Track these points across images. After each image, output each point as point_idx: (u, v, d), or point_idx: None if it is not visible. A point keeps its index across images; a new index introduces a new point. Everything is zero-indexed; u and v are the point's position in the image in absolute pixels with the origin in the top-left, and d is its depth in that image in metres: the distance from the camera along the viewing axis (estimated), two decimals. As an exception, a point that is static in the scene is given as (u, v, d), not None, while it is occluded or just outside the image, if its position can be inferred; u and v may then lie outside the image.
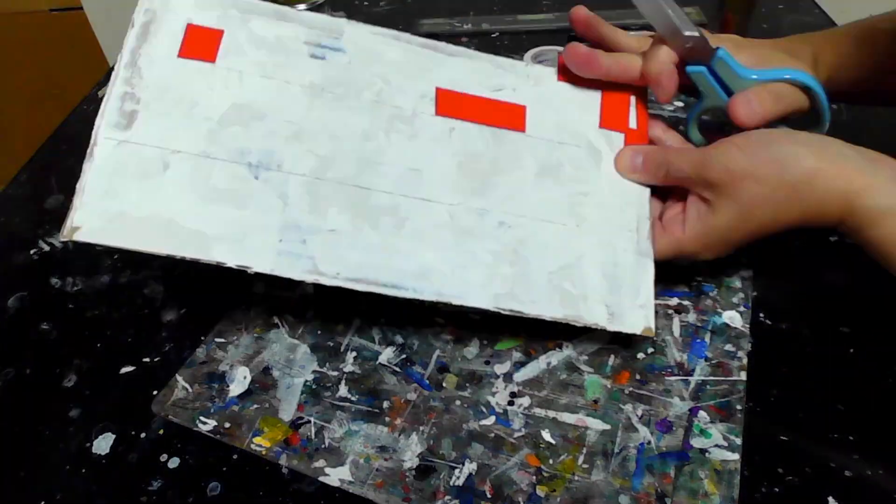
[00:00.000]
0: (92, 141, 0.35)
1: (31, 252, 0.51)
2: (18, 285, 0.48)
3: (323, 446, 0.37)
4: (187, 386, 0.40)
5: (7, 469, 0.37)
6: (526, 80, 0.43)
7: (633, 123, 0.43)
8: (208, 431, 0.38)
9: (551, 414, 0.38)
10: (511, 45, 0.74)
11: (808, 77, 0.43)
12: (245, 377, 0.41)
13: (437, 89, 0.40)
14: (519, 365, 0.41)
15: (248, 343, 0.43)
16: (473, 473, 0.36)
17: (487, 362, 0.41)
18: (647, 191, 0.42)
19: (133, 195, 0.34)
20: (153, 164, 0.35)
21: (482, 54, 0.43)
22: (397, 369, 0.41)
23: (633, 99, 0.43)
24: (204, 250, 0.34)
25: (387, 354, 0.42)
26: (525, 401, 0.39)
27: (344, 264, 0.36)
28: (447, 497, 0.35)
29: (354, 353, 0.42)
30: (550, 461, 0.36)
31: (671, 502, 0.34)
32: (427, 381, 0.40)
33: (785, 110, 0.43)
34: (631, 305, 0.38)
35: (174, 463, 0.37)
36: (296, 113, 0.38)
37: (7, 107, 1.48)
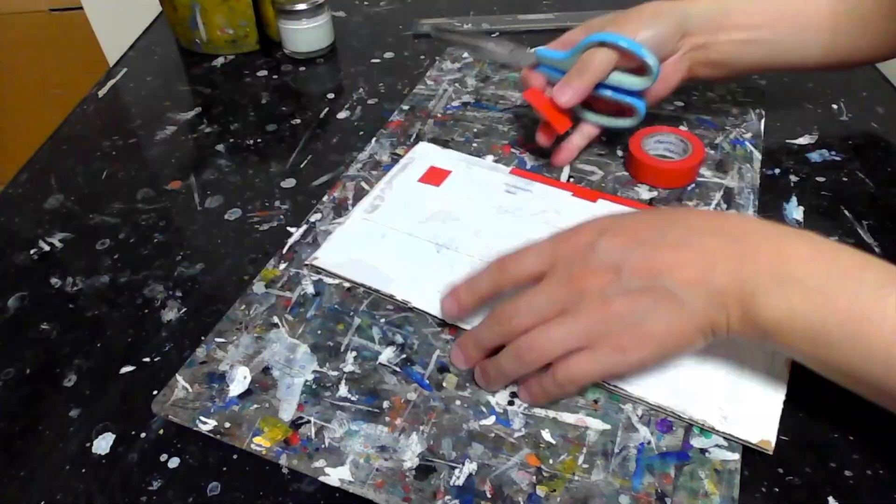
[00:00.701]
0: (349, 214, 0.52)
1: (31, 252, 0.51)
2: (18, 285, 0.48)
3: (323, 446, 0.37)
4: (187, 386, 0.40)
5: (7, 469, 0.37)
6: None
7: None
8: (208, 431, 0.38)
9: (551, 414, 0.38)
10: (511, 45, 0.74)
11: (606, 35, 0.48)
12: (245, 377, 0.41)
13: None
14: (519, 365, 0.41)
15: (248, 343, 0.43)
16: (473, 473, 0.36)
17: (487, 362, 0.41)
18: None
19: (359, 249, 0.49)
20: (377, 233, 0.50)
21: (649, 206, 0.50)
22: (397, 369, 0.41)
23: None
24: (385, 285, 0.45)
25: (387, 354, 0.42)
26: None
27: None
28: (447, 497, 0.35)
29: (354, 353, 0.42)
30: (550, 461, 0.36)
31: (671, 502, 0.34)
32: (427, 381, 0.40)
33: (596, 74, 0.49)
34: (750, 415, 0.37)
35: (174, 463, 0.37)
36: (481, 221, 0.51)
37: (7, 107, 1.48)
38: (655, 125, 0.56)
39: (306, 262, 0.47)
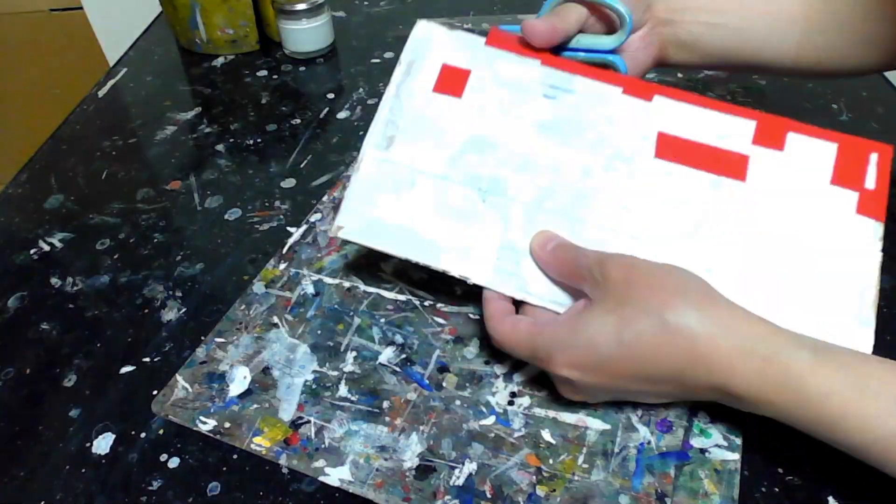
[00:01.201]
0: (359, 157, 0.42)
1: (31, 252, 0.51)
2: (18, 285, 0.48)
3: (323, 446, 0.37)
4: (187, 386, 0.40)
5: (7, 469, 0.37)
6: (751, 129, 0.41)
7: (870, 183, 0.38)
8: (208, 431, 0.38)
9: (551, 414, 0.38)
10: (511, 45, 0.74)
11: None
12: (245, 377, 0.41)
13: (659, 133, 0.41)
14: (519, 365, 0.41)
15: (248, 343, 0.43)
16: (473, 473, 0.36)
17: (487, 362, 0.41)
18: (878, 258, 0.37)
19: (386, 205, 0.40)
20: (404, 181, 0.41)
21: (711, 101, 0.42)
22: (397, 369, 0.41)
23: (874, 156, 0.39)
24: (434, 259, 0.39)
25: (387, 354, 0.42)
26: (525, 400, 0.39)
27: (549, 289, 0.38)
28: (447, 497, 0.35)
29: (354, 353, 0.42)
30: (550, 461, 0.36)
31: (671, 502, 0.34)
32: (427, 381, 0.40)
33: (568, 20, 0.44)
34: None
35: (174, 463, 0.37)
36: (525, 146, 0.41)
37: (7, 107, 1.48)
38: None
39: (330, 235, 0.41)
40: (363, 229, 0.40)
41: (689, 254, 0.38)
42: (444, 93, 0.43)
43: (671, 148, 0.40)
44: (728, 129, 0.41)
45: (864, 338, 0.36)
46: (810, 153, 0.39)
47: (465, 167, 0.41)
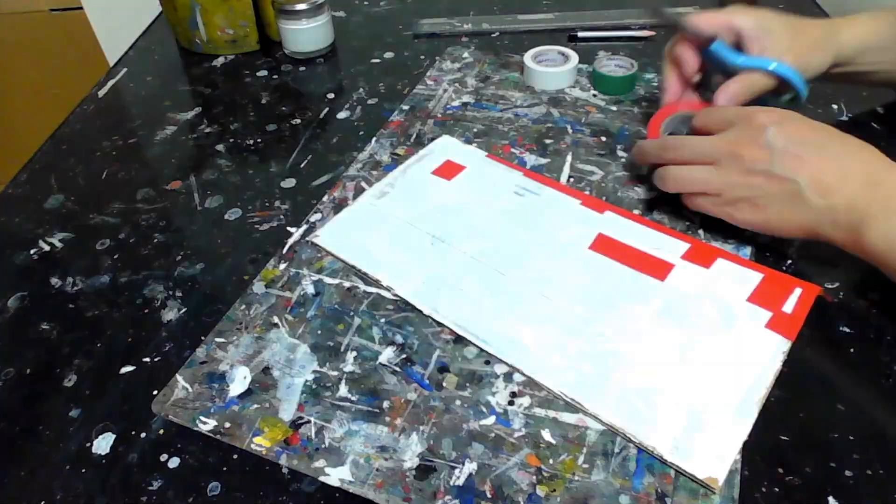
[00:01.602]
0: (360, 198, 0.53)
1: (31, 252, 0.51)
2: (18, 285, 0.48)
3: (323, 446, 0.37)
4: (187, 386, 0.40)
5: (7, 469, 0.37)
6: (683, 248, 0.47)
7: (787, 308, 0.43)
8: (208, 431, 0.38)
9: (551, 414, 0.38)
10: (511, 45, 0.74)
11: (787, 70, 0.50)
12: (245, 377, 0.41)
13: (599, 233, 0.48)
14: (519, 364, 0.41)
15: (248, 343, 0.43)
16: (473, 473, 0.36)
17: (487, 362, 0.41)
18: (776, 369, 0.39)
19: (358, 232, 0.50)
20: (378, 219, 0.51)
21: (655, 224, 0.49)
22: (397, 369, 0.41)
23: (798, 290, 0.44)
24: (373, 269, 0.47)
25: (387, 354, 0.42)
26: (525, 401, 0.39)
27: (457, 314, 0.44)
28: (447, 497, 0.35)
29: (354, 353, 0.42)
30: (550, 461, 0.36)
31: (671, 502, 0.34)
32: (427, 381, 0.40)
33: (756, 93, 0.52)
34: (703, 451, 0.36)
35: (174, 463, 0.37)
36: (483, 219, 0.50)
37: (7, 107, 1.48)
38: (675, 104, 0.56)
39: (307, 239, 0.49)
40: (333, 242, 0.49)
41: (592, 319, 0.42)
42: (439, 175, 0.55)
43: (605, 245, 0.48)
44: (663, 244, 0.48)
45: (739, 427, 0.37)
46: (734, 276, 0.45)
47: (430, 221, 0.50)
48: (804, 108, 0.59)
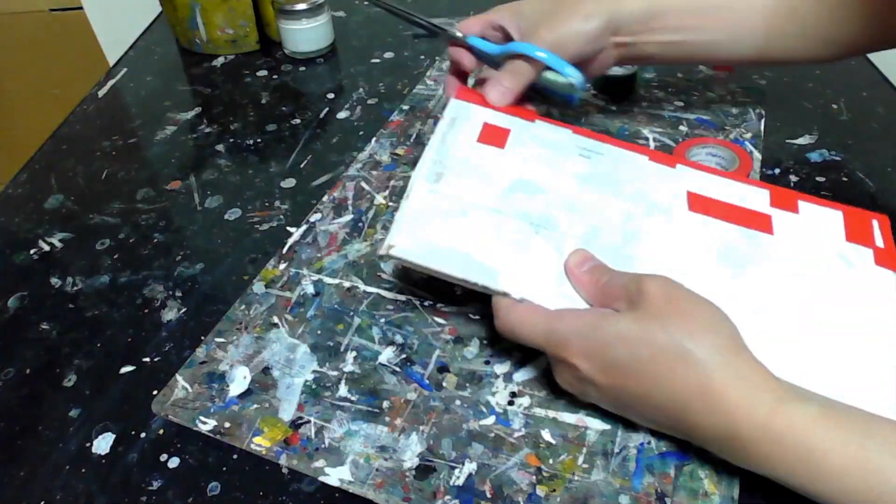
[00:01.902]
0: (409, 187, 0.43)
1: (31, 252, 0.51)
2: (18, 285, 0.48)
3: (323, 446, 0.37)
4: (187, 386, 0.40)
5: (7, 469, 0.37)
6: (766, 196, 0.45)
7: (879, 242, 0.42)
8: (208, 431, 0.38)
9: (551, 414, 0.38)
10: (511, 45, 0.74)
11: (529, 48, 0.48)
12: (245, 377, 0.41)
13: (688, 192, 0.45)
14: (519, 365, 0.41)
15: (248, 343, 0.43)
16: (473, 473, 0.36)
17: (487, 362, 0.41)
18: None
19: (437, 230, 0.41)
20: (454, 210, 0.42)
21: (727, 173, 0.46)
22: (397, 369, 0.41)
23: (875, 222, 0.44)
24: (493, 280, 0.39)
25: (387, 354, 0.42)
26: (525, 401, 0.39)
27: None
28: (447, 497, 0.35)
29: (354, 353, 0.42)
30: (550, 461, 0.36)
31: (671, 502, 0.34)
32: (427, 381, 0.40)
33: (527, 77, 0.48)
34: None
35: (174, 463, 0.37)
36: (569, 192, 0.44)
37: (7, 107, 1.48)
38: (702, 136, 0.56)
39: (380, 253, 0.40)
40: (415, 249, 0.40)
41: (733, 296, 0.39)
42: (488, 143, 0.46)
43: (701, 204, 0.44)
44: (746, 193, 0.45)
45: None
46: (821, 217, 0.44)
47: (515, 204, 0.43)
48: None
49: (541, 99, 0.55)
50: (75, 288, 0.48)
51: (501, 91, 0.48)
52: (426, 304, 0.45)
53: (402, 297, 0.45)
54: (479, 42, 0.52)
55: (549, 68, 0.48)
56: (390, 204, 0.53)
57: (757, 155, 0.56)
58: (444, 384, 0.40)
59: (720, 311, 0.34)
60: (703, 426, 0.33)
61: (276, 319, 0.44)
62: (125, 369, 0.42)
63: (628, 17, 0.49)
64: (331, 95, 0.68)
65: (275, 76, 0.72)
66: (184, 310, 0.46)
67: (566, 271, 0.40)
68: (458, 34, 0.52)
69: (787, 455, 0.31)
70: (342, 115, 0.65)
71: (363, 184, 0.55)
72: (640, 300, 0.35)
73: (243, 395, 0.40)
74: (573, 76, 0.48)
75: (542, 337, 0.36)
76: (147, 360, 0.43)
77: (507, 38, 0.51)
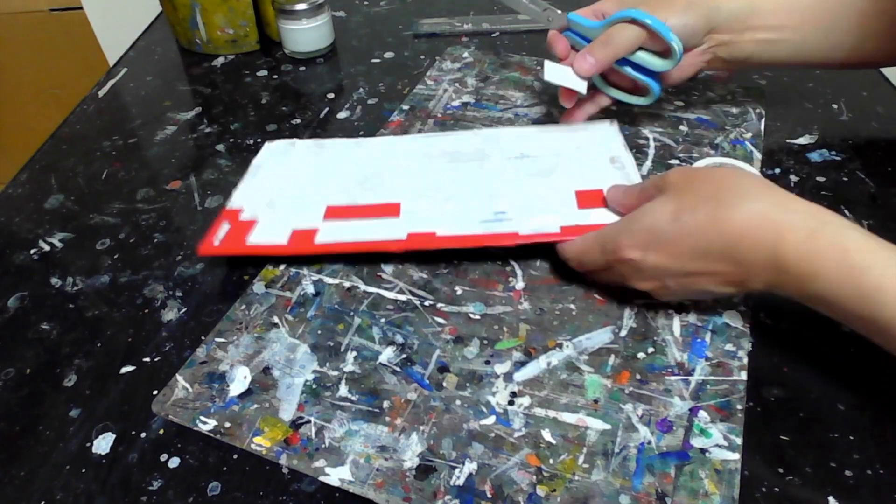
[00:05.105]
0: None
1: (31, 252, 0.51)
2: (18, 285, 0.48)
3: (323, 446, 0.37)
4: (187, 386, 0.40)
5: (7, 469, 0.37)
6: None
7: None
8: (208, 431, 0.38)
9: (551, 414, 0.38)
10: (511, 45, 0.74)
11: (637, 12, 0.48)
12: (245, 377, 0.41)
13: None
14: (519, 365, 0.41)
15: (248, 343, 0.43)
16: (473, 473, 0.36)
17: (487, 362, 0.41)
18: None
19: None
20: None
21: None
22: (397, 369, 0.41)
23: None
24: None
25: (387, 354, 0.42)
26: (525, 400, 0.39)
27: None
28: (447, 497, 0.35)
29: (354, 353, 0.42)
30: (551, 461, 0.36)
31: (671, 502, 0.34)
32: (427, 381, 0.40)
33: (618, 49, 0.49)
34: None
35: (174, 463, 0.37)
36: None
37: (7, 107, 1.48)
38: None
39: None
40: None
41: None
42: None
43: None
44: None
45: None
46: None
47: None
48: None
49: (613, 102, 0.57)
50: (75, 288, 0.48)
51: (590, 62, 0.49)
52: (426, 304, 0.45)
53: (403, 297, 0.45)
54: (578, 18, 0.52)
55: (642, 48, 0.50)
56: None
57: (757, 155, 0.56)
58: (445, 384, 0.40)
59: (739, 168, 0.39)
60: (754, 262, 0.36)
61: (276, 319, 0.44)
62: (125, 369, 0.42)
63: (728, 15, 0.50)
64: (331, 95, 0.68)
65: (275, 76, 0.72)
66: (184, 310, 0.46)
67: (615, 209, 0.46)
68: (559, 12, 0.53)
69: (828, 272, 0.33)
70: (342, 115, 0.65)
71: (363, 184, 0.55)
72: (665, 186, 0.39)
73: (243, 395, 0.40)
74: (675, 42, 0.48)
75: (598, 253, 0.42)
76: (147, 360, 0.43)
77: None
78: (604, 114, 0.58)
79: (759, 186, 0.37)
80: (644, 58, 0.51)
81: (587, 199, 0.48)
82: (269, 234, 0.48)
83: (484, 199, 0.49)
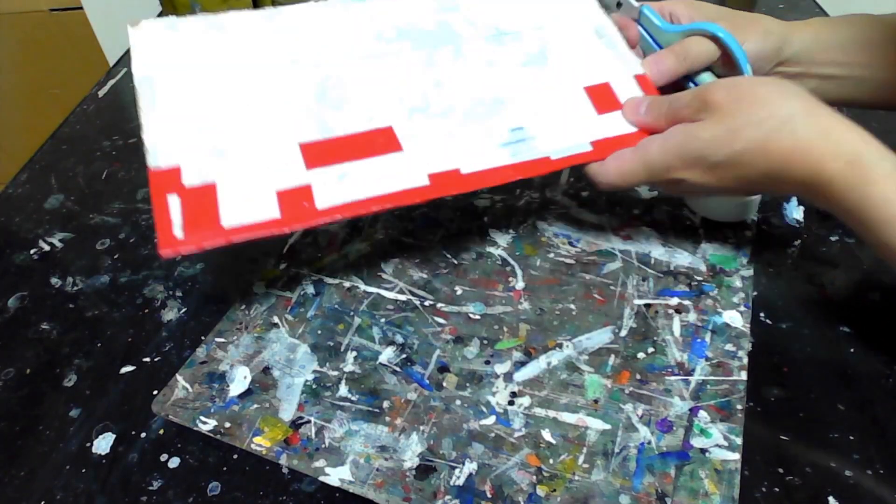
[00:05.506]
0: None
1: (31, 252, 0.51)
2: (18, 285, 0.48)
3: (323, 446, 0.37)
4: (187, 386, 0.40)
5: (7, 469, 0.37)
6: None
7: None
8: (208, 431, 0.38)
9: (551, 414, 0.38)
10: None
11: (722, 32, 0.46)
12: (245, 377, 0.41)
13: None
14: (519, 365, 0.41)
15: (248, 343, 0.43)
16: (473, 473, 0.36)
17: (487, 362, 0.41)
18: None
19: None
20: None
21: None
22: (397, 369, 0.41)
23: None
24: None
25: (387, 354, 0.42)
26: (525, 400, 0.39)
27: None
28: (447, 497, 0.35)
29: (354, 353, 0.42)
30: (551, 461, 0.36)
31: (671, 502, 0.34)
32: (427, 381, 0.40)
33: (693, 64, 0.47)
34: None
35: (174, 463, 0.37)
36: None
37: (7, 107, 1.48)
38: None
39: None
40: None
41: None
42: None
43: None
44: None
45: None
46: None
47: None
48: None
49: None
50: (75, 288, 0.48)
51: (663, 70, 0.47)
52: (426, 303, 0.45)
53: (403, 297, 0.45)
54: (654, 15, 0.49)
55: (710, 70, 0.48)
56: (390, 204, 0.53)
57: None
58: (445, 384, 0.40)
59: (784, 82, 0.40)
60: (795, 183, 0.38)
61: (276, 319, 0.44)
62: (125, 369, 0.42)
63: (798, 46, 0.49)
64: (331, 95, 0.68)
65: (275, 76, 0.72)
66: (184, 310, 0.46)
67: (631, 122, 0.44)
68: (635, 3, 0.50)
69: (857, 199, 0.36)
70: (342, 115, 0.65)
71: (363, 184, 0.55)
72: (712, 108, 0.39)
73: (243, 395, 0.40)
74: (748, 72, 0.46)
75: (644, 175, 0.41)
76: (147, 360, 0.43)
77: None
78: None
79: (808, 106, 0.39)
80: (707, 80, 0.48)
81: (600, 98, 0.44)
82: (246, 204, 0.36)
83: (489, 108, 0.42)
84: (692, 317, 0.43)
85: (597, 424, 0.38)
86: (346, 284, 0.46)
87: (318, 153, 0.38)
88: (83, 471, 0.37)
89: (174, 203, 0.35)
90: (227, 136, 0.38)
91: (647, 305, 0.44)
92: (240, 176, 0.37)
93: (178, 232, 0.35)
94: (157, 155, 0.37)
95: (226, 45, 0.41)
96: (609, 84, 0.45)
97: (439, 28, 0.45)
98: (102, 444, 0.38)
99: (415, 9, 0.46)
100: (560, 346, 0.42)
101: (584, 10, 0.50)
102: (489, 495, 0.35)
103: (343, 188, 0.37)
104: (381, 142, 0.39)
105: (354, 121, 0.40)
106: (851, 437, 0.37)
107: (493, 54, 0.46)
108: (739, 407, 0.38)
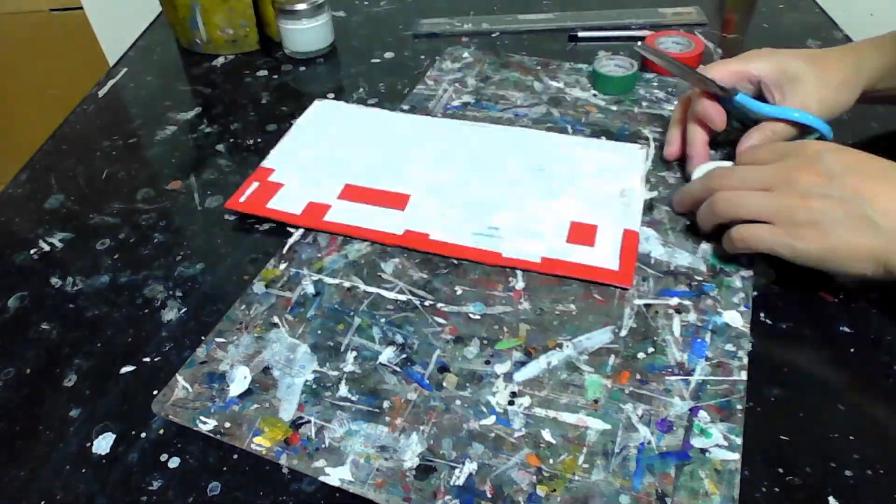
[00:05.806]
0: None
1: (31, 252, 0.51)
2: (18, 285, 0.48)
3: (323, 446, 0.37)
4: (187, 386, 0.40)
5: (7, 469, 0.37)
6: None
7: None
8: (208, 431, 0.38)
9: (551, 414, 0.38)
10: (511, 45, 0.74)
11: (812, 119, 0.49)
12: (245, 377, 0.41)
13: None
14: (519, 365, 0.41)
15: (248, 343, 0.43)
16: (473, 473, 0.36)
17: (487, 362, 0.41)
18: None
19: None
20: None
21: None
22: (397, 369, 0.41)
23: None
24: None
25: (387, 354, 0.42)
26: (525, 400, 0.39)
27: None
28: (447, 497, 0.35)
29: (354, 353, 0.42)
30: (551, 461, 0.36)
31: (671, 502, 0.34)
32: (427, 381, 0.40)
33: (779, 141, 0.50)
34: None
35: (174, 463, 0.37)
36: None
37: (7, 107, 1.48)
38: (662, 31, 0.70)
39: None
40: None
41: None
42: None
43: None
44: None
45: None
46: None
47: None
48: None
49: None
50: (75, 288, 0.48)
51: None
52: (426, 304, 0.45)
53: (403, 297, 0.45)
54: (750, 102, 0.51)
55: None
56: (390, 204, 0.53)
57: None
58: (445, 384, 0.40)
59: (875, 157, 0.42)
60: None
61: (276, 319, 0.44)
62: (125, 369, 0.42)
63: (874, 81, 0.51)
64: (331, 95, 0.68)
65: (275, 76, 0.72)
66: (184, 310, 0.46)
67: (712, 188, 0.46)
68: (726, 86, 0.51)
69: None
70: (342, 115, 0.65)
71: (363, 184, 0.55)
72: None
73: (243, 395, 0.40)
74: (829, 136, 0.51)
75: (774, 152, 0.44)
76: (147, 360, 0.43)
77: (758, 89, 0.52)
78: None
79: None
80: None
81: (578, 233, 0.49)
82: (287, 201, 0.52)
83: (485, 210, 0.51)
84: (692, 317, 0.43)
85: (597, 424, 0.38)
86: (346, 284, 0.46)
87: (352, 192, 0.54)
88: (83, 471, 0.37)
89: (253, 186, 0.54)
90: (310, 163, 0.57)
91: (647, 305, 0.44)
92: (297, 186, 0.54)
93: (242, 198, 0.53)
94: (270, 159, 0.57)
95: (356, 119, 0.62)
96: (596, 227, 0.49)
97: (498, 152, 0.57)
98: (102, 444, 0.38)
99: (494, 137, 0.59)
100: (560, 346, 0.42)
101: (627, 169, 0.54)
102: (489, 495, 0.35)
103: (347, 216, 0.51)
104: (395, 200, 0.52)
105: (391, 182, 0.54)
106: (851, 438, 0.37)
107: (523, 178, 0.54)
108: (739, 407, 0.38)
